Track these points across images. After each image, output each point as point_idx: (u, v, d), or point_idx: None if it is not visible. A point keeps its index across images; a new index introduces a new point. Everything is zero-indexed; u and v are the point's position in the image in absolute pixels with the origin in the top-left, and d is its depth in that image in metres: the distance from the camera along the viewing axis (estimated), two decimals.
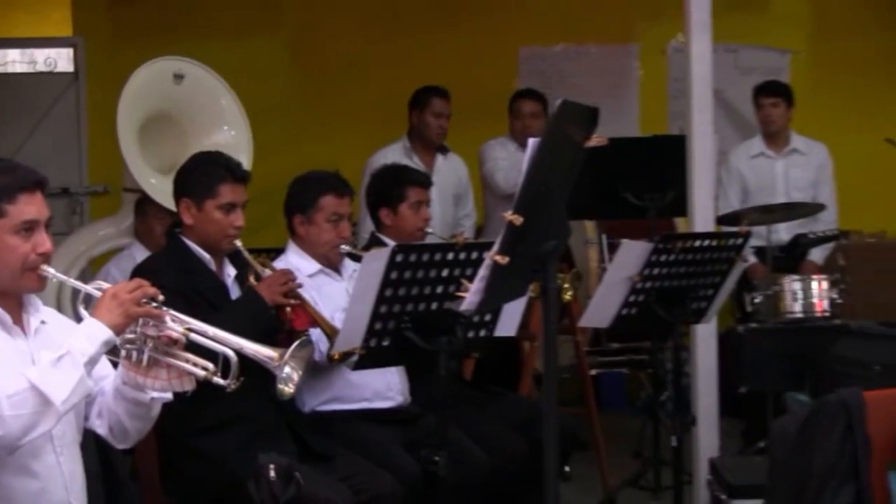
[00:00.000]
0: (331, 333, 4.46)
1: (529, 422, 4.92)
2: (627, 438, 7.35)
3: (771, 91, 7.84)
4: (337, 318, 4.53)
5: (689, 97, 5.72)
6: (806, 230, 7.23)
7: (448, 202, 7.42)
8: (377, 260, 4.15)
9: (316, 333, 4.53)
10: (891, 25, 9.29)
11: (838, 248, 7.43)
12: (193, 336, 3.33)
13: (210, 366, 3.32)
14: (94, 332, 3.22)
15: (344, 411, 4.88)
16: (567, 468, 6.34)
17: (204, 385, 3.35)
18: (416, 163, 7.05)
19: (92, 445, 3.55)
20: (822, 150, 7.85)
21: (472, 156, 7.68)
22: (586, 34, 9.37)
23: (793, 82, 8.32)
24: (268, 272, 4.52)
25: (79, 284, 3.48)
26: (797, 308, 6.40)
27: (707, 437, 5.67)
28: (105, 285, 3.36)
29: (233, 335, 3.43)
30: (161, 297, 3.31)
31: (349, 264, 5.02)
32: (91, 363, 3.21)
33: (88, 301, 3.35)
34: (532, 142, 2.95)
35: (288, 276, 4.49)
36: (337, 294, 4.77)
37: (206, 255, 4.47)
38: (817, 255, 7.45)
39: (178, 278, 4.21)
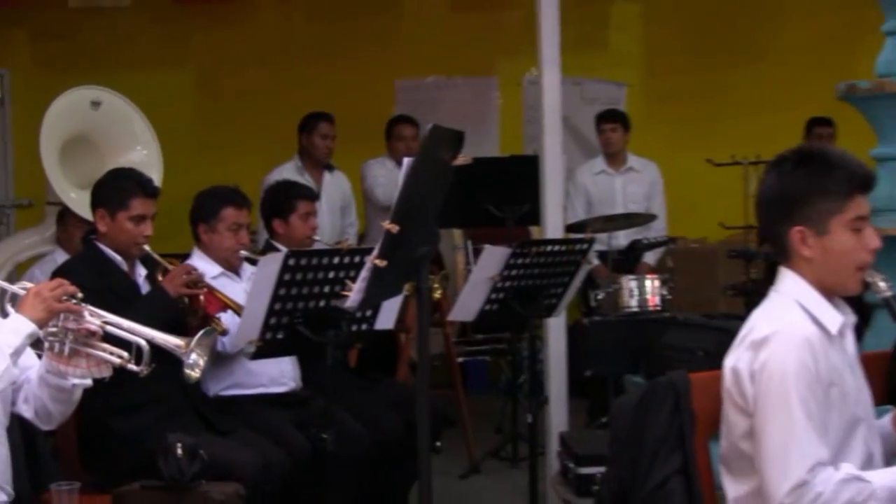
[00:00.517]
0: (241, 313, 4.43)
1: (405, 403, 4.92)
2: (490, 416, 7.36)
3: (610, 118, 7.95)
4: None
5: (541, 123, 5.73)
6: (641, 237, 7.32)
7: (335, 213, 7.40)
8: (272, 263, 4.13)
9: (230, 320, 4.50)
10: (710, 66, 9.49)
11: (667, 251, 7.55)
12: (109, 328, 3.30)
13: (125, 354, 3.28)
14: (20, 326, 3.16)
15: (243, 396, 4.85)
16: (438, 443, 6.34)
17: (119, 371, 3.31)
18: (306, 179, 7.01)
19: (17, 427, 3.48)
20: (654, 168, 7.98)
21: (354, 173, 7.68)
22: (454, 68, 9.42)
23: (629, 110, 8.47)
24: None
25: (5, 285, 3.41)
26: (633, 303, 6.48)
27: (557, 415, 5.70)
28: (29, 285, 3.30)
29: (144, 326, 3.40)
30: (80, 294, 3.27)
31: (247, 268, 4.97)
32: (16, 354, 3.15)
33: (14, 300, 3.29)
34: (407, 161, 2.95)
35: (186, 269, 4.45)
36: (236, 294, 4.72)
37: (118, 258, 4.40)
38: (650, 257, 7.56)
39: (94, 278, 4.14)
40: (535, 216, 6.12)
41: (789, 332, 2.71)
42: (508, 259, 4.91)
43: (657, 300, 6.47)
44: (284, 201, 5.40)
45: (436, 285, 5.84)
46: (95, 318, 3.28)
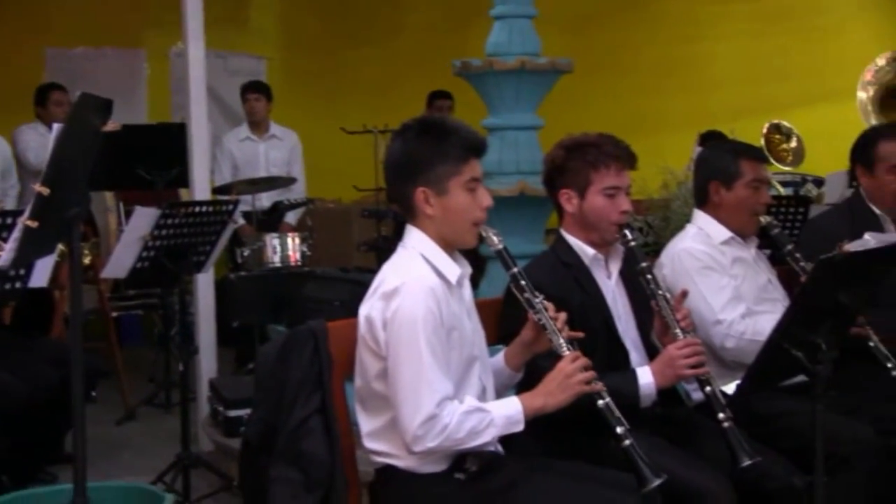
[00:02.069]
0: None
1: (61, 358, 4.70)
2: (144, 367, 7.20)
3: (254, 89, 7.91)
4: None
5: (187, 93, 5.63)
6: (282, 198, 7.33)
7: None
8: None
9: None
10: (342, 43, 9.59)
11: (307, 211, 7.60)
12: None
13: None
14: None
15: None
16: (94, 393, 6.11)
17: None
18: None
19: None
20: (294, 136, 7.99)
21: (6, 138, 7.22)
22: (103, 39, 9.05)
23: (270, 83, 8.41)
24: None
25: None
26: (276, 259, 6.47)
27: (207, 363, 5.64)
28: None
29: None
30: None
31: None
32: None
33: None
34: (56, 126, 2.81)
35: None
36: None
37: None
38: (291, 217, 7.57)
39: None
40: (183, 179, 6.02)
41: (415, 283, 2.77)
42: (158, 219, 4.78)
43: (298, 256, 6.50)
44: None
45: (86, 251, 5.63)
46: None
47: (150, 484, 4.41)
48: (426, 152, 2.86)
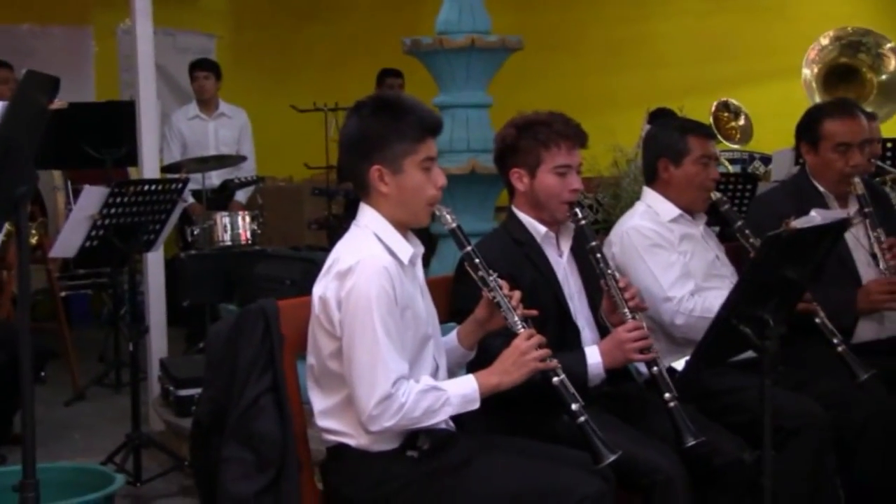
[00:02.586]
0: None
1: (9, 338, 4.64)
2: (94, 346, 7.14)
3: (203, 67, 7.82)
4: None
5: (136, 71, 5.57)
6: (233, 177, 7.27)
7: None
8: None
9: None
10: (291, 21, 9.52)
11: (257, 190, 7.56)
12: None
13: None
14: None
15: None
16: (43, 374, 6.05)
17: None
18: None
19: None
20: (243, 114, 7.92)
21: None
22: (48, 17, 8.92)
23: (219, 60, 8.33)
24: None
25: None
26: (227, 238, 6.44)
27: (157, 342, 5.61)
28: None
29: None
30: None
31: None
32: None
33: None
34: (2, 104, 2.77)
35: None
36: None
37: None
38: (241, 196, 7.51)
39: None
40: (132, 158, 5.99)
41: (369, 262, 2.75)
42: (107, 198, 4.73)
43: (248, 234, 6.46)
44: None
45: (33, 231, 5.56)
46: None
47: (100, 465, 4.38)
48: (382, 130, 2.84)
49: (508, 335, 2.90)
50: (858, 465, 3.59)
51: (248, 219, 6.49)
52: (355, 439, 2.82)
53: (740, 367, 3.44)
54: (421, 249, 2.97)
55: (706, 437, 3.08)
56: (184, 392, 4.95)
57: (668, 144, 3.82)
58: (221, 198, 7.22)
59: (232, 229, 6.43)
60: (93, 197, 4.70)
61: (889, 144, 5.60)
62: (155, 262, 5.59)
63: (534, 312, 2.94)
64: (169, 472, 4.79)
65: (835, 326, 3.62)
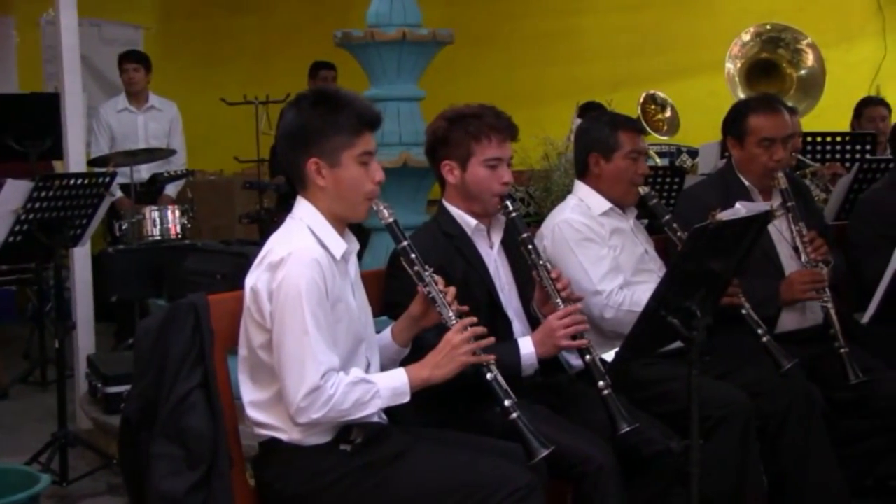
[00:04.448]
0: None
1: None
2: (17, 343, 7.03)
3: (133, 59, 7.71)
4: None
5: (60, 62, 5.49)
6: (162, 170, 7.19)
7: None
8: None
9: None
10: (219, 12, 9.43)
11: (187, 184, 7.47)
12: None
13: None
14: None
15: None
16: None
17: None
18: None
19: None
20: (173, 107, 7.82)
21: None
22: None
23: (147, 51, 8.22)
24: None
25: None
26: (156, 232, 6.36)
27: (85, 339, 5.53)
28: None
29: None
30: None
31: None
32: None
33: None
34: None
35: None
36: None
37: None
38: (171, 189, 7.42)
39: None
40: (57, 151, 5.89)
41: (301, 254, 2.74)
42: (31, 192, 4.66)
43: (178, 229, 6.39)
44: None
45: None
46: None
47: (24, 465, 4.31)
48: (320, 123, 2.83)
49: (442, 329, 2.90)
50: (780, 452, 3.65)
51: (177, 213, 6.42)
52: (287, 434, 2.81)
53: (668, 357, 3.48)
54: (355, 246, 2.97)
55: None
56: (112, 389, 4.90)
57: (599, 139, 3.85)
58: (151, 191, 7.14)
59: (161, 223, 6.35)
60: (16, 191, 4.62)
61: (808, 138, 5.72)
62: (82, 257, 5.52)
63: (464, 308, 2.94)
64: (96, 470, 4.73)
65: (759, 317, 3.69)
